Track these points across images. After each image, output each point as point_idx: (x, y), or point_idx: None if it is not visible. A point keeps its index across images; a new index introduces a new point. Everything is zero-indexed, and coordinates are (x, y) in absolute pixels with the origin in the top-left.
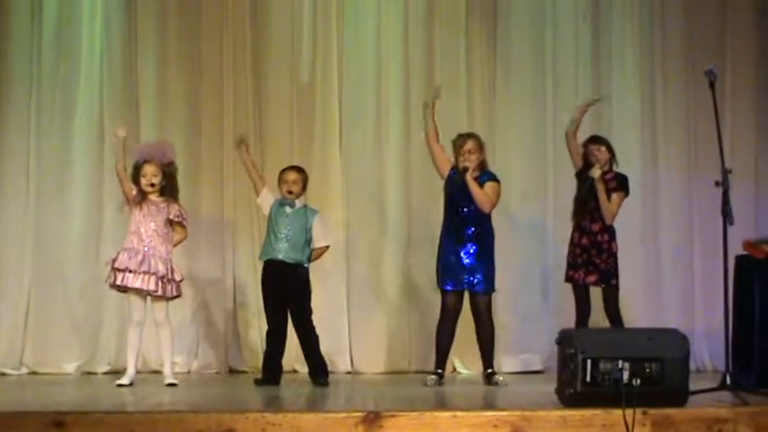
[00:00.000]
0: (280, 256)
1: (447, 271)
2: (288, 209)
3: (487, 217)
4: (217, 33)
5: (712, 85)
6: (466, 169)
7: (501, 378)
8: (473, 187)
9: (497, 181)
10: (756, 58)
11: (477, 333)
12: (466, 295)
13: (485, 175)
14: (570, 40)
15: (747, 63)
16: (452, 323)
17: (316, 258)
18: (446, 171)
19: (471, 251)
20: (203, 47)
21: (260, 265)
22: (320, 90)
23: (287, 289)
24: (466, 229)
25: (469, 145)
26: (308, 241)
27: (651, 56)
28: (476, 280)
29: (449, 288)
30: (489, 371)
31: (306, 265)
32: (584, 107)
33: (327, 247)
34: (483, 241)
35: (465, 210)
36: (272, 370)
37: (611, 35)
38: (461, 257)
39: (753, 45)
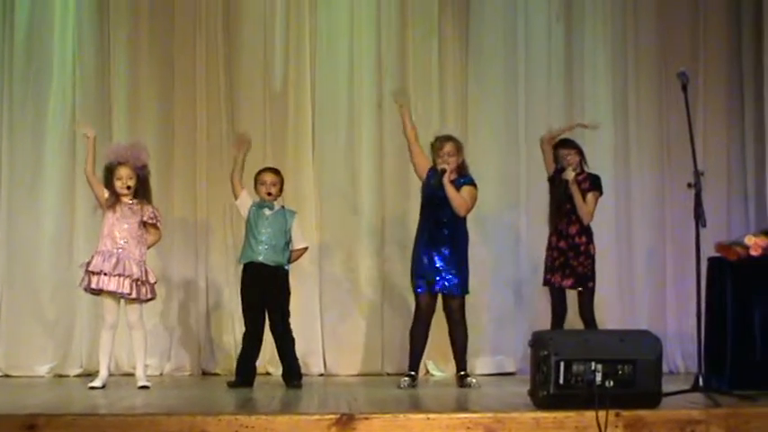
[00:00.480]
0: (260, 259)
1: (420, 273)
2: (267, 211)
3: (462, 220)
4: (189, 37)
5: (685, 88)
6: (444, 171)
7: (474, 380)
8: (450, 190)
9: (475, 185)
10: (728, 60)
11: (451, 335)
12: (439, 297)
13: (463, 179)
14: (543, 40)
15: (720, 65)
16: (426, 325)
17: (295, 260)
18: (424, 172)
19: (445, 253)
20: (176, 50)
21: (233, 267)
22: (293, 93)
23: (267, 291)
24: (441, 232)
25: (448, 147)
26: (288, 243)
27: (624, 57)
28: (449, 282)
29: (422, 290)
30: (462, 373)
31: (286, 268)
32: (569, 128)
33: (307, 248)
34: (457, 244)
35: (441, 212)
36: (245, 372)
37: (584, 36)
38: (435, 260)
39: (725, 47)
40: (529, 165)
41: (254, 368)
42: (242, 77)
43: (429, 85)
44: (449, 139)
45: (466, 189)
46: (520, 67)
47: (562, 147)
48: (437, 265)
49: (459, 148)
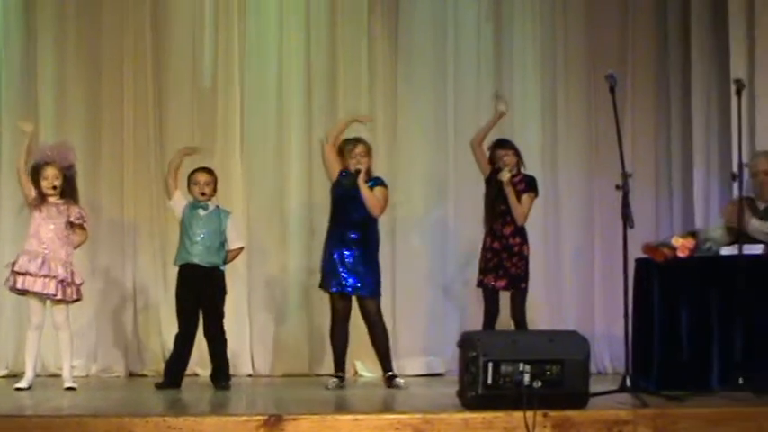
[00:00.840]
0: (195, 260)
1: (331, 273)
2: (201, 211)
3: (373, 221)
4: (117, 38)
5: (612, 90)
6: (358, 172)
7: (402, 380)
8: (365, 191)
9: (386, 186)
10: (656, 62)
11: (371, 337)
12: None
13: (373, 180)
14: (472, 39)
15: (648, 67)
16: (343, 325)
17: (231, 260)
18: (335, 173)
19: (356, 255)
20: (103, 51)
21: (161, 268)
22: (222, 94)
23: (202, 292)
24: (351, 233)
25: (360, 148)
26: (223, 243)
27: (553, 58)
28: (360, 284)
29: (333, 290)
30: (390, 373)
31: (222, 268)
32: (493, 121)
33: (242, 248)
34: (367, 245)
35: (351, 213)
36: (175, 373)
37: (513, 36)
38: (346, 261)
39: (653, 49)
40: (457, 163)
41: (184, 369)
42: (170, 78)
43: (358, 85)
44: (360, 140)
45: (379, 190)
46: (449, 66)
47: (499, 147)
48: (348, 267)
49: (369, 150)
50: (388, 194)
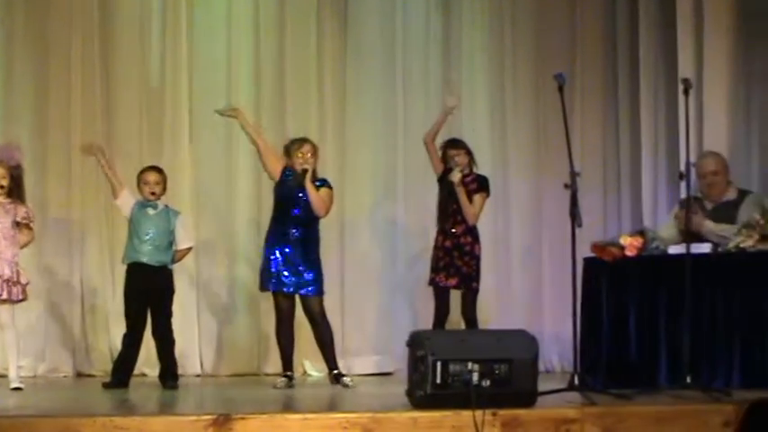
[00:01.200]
0: (144, 260)
1: (271, 273)
2: (150, 210)
3: (315, 220)
4: (64, 35)
5: (561, 89)
6: (306, 171)
7: (349, 379)
8: (312, 191)
9: (331, 187)
10: (605, 61)
11: (315, 337)
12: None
13: (320, 181)
14: (420, 35)
15: (596, 66)
16: (288, 324)
17: (179, 259)
18: (277, 172)
19: (296, 253)
20: (50, 49)
21: (109, 267)
22: (170, 91)
23: (151, 292)
24: (293, 232)
25: (308, 147)
26: (172, 243)
27: (501, 58)
28: (303, 283)
29: (274, 289)
30: (336, 372)
31: (170, 267)
32: (443, 115)
33: (191, 248)
34: (309, 245)
35: (294, 212)
36: (122, 373)
37: (462, 35)
38: (288, 259)
39: (602, 48)
40: (406, 160)
41: (132, 369)
42: (118, 75)
43: (307, 81)
44: (307, 140)
45: (324, 191)
46: (398, 62)
47: (451, 147)
48: (288, 265)
49: (316, 150)
50: (333, 195)
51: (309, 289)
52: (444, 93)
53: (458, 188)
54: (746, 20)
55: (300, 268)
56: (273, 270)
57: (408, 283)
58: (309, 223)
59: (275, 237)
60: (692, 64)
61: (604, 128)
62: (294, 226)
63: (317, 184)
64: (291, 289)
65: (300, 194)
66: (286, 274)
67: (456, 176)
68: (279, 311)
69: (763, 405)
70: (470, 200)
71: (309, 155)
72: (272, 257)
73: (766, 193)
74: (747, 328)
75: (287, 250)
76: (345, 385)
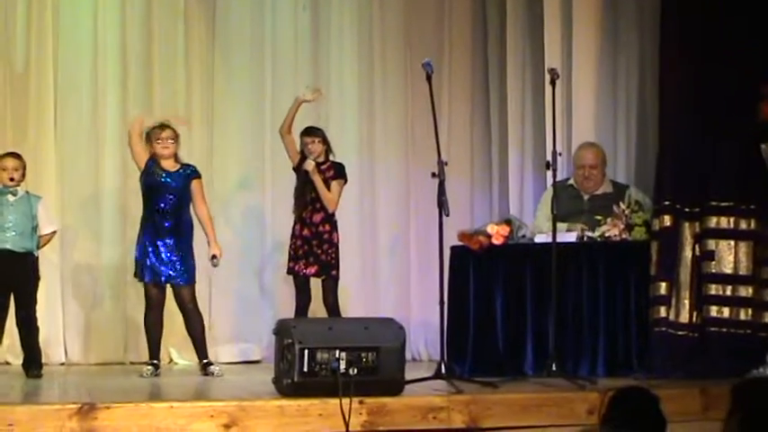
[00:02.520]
0: (8, 246)
1: (145, 263)
2: (10, 197)
3: (186, 209)
4: None
5: (429, 78)
6: (306, 165)
7: (218, 368)
8: (320, 187)
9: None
10: (474, 50)
11: (186, 326)
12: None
13: (188, 168)
14: (290, 26)
15: (464, 56)
16: (158, 313)
17: (44, 245)
18: (143, 161)
19: (169, 243)
20: None
21: None
22: (35, 74)
23: (14, 279)
24: (164, 222)
25: (167, 133)
26: (35, 228)
27: (370, 45)
28: (175, 272)
29: (147, 279)
30: (205, 361)
31: (35, 254)
32: (295, 107)
33: (55, 232)
34: (180, 233)
35: (162, 202)
36: None
37: (330, 22)
38: (159, 250)
39: (471, 37)
40: (274, 151)
41: None
42: None
43: (174, 67)
44: (167, 126)
45: (334, 186)
46: (267, 53)
47: (305, 135)
48: (162, 256)
49: (177, 135)
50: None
51: (181, 278)
52: (307, 84)
53: (313, 176)
54: (614, 10)
55: (173, 258)
56: (148, 261)
57: (275, 273)
58: (178, 212)
59: (148, 227)
60: (560, 54)
61: (473, 117)
62: (164, 215)
63: (189, 171)
64: (164, 279)
65: (165, 183)
66: (158, 264)
67: (309, 165)
68: (149, 299)
69: (626, 393)
70: (328, 187)
71: (170, 141)
72: (146, 248)
73: (631, 183)
74: (612, 317)
75: (158, 241)
76: (212, 374)
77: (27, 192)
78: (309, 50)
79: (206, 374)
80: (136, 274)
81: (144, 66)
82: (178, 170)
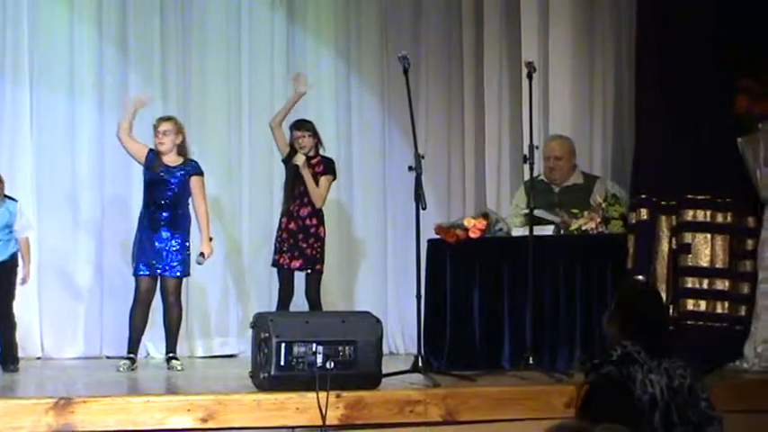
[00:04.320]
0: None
1: (142, 256)
2: None
3: (184, 205)
4: None
5: (406, 72)
6: (297, 162)
7: (180, 363)
8: (309, 183)
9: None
10: (449, 45)
11: (164, 316)
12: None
13: (189, 164)
14: (266, 20)
15: (441, 50)
16: (145, 308)
17: (25, 249)
18: (142, 155)
19: (165, 237)
20: None
21: None
22: (10, 72)
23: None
24: (160, 216)
25: (165, 127)
26: (12, 231)
27: (347, 38)
28: (168, 266)
29: (142, 273)
30: (170, 355)
31: (16, 252)
32: (292, 102)
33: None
34: (176, 228)
35: (160, 197)
36: None
37: (306, 17)
38: (155, 243)
39: (446, 32)
40: (252, 141)
41: None
42: None
43: (151, 65)
44: (165, 119)
45: (323, 181)
46: (243, 47)
47: (296, 128)
48: (158, 249)
49: (179, 128)
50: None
51: (174, 270)
52: (295, 79)
53: (303, 170)
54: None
55: (167, 251)
56: (143, 254)
57: (252, 266)
58: (177, 204)
59: (146, 219)
60: (537, 48)
61: (449, 110)
62: (162, 208)
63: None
64: (158, 271)
65: (165, 177)
66: (152, 257)
67: (299, 159)
68: (138, 293)
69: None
70: (316, 182)
71: (164, 135)
72: (143, 241)
73: (608, 176)
74: (588, 310)
75: (155, 234)
76: (174, 369)
77: (4, 196)
78: (285, 44)
79: (168, 368)
80: (134, 268)
81: (120, 63)
82: (179, 165)
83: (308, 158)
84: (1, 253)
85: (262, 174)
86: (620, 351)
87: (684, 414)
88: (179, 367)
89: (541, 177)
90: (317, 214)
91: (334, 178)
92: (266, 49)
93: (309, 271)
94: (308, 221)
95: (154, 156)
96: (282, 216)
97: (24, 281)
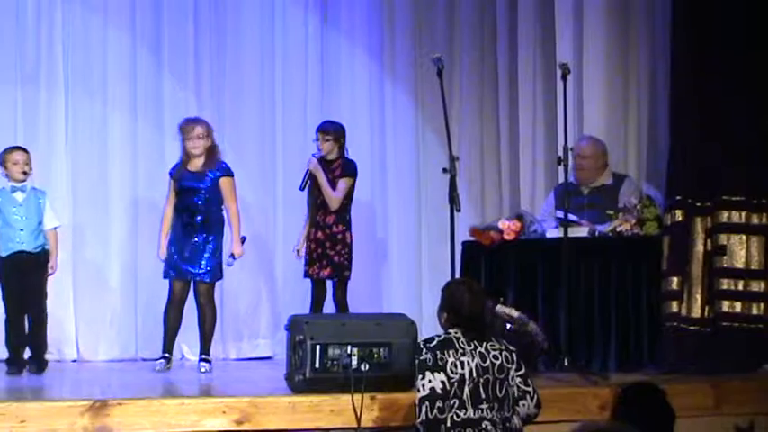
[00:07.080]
0: (23, 248)
1: (171, 260)
2: (19, 195)
3: (216, 208)
4: None
5: (440, 73)
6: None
7: (206, 366)
8: (323, 185)
9: (231, 175)
10: (483, 46)
11: (199, 320)
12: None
13: (218, 167)
14: (300, 24)
15: (475, 51)
16: (179, 308)
17: (52, 242)
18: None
19: (196, 241)
20: None
21: None
22: (45, 79)
23: (30, 278)
24: (190, 220)
25: (198, 130)
26: (41, 223)
27: (380, 41)
28: (199, 270)
29: (174, 275)
30: (202, 356)
31: (47, 248)
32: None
33: (57, 228)
34: (208, 231)
35: (189, 203)
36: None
37: (340, 21)
38: (184, 248)
39: (480, 33)
40: (286, 147)
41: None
42: None
43: (185, 67)
44: (198, 121)
45: (341, 183)
46: (277, 47)
47: (319, 131)
48: (185, 253)
49: (210, 132)
50: (234, 183)
51: (205, 275)
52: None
53: (316, 173)
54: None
55: (198, 255)
56: (173, 259)
57: (287, 267)
58: (210, 208)
59: (177, 223)
60: (571, 49)
61: (484, 111)
62: (194, 212)
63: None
64: (188, 276)
65: (192, 185)
66: (182, 262)
67: (311, 163)
68: (172, 294)
69: (633, 389)
70: (334, 186)
71: (198, 137)
72: (175, 245)
73: (642, 178)
74: (623, 312)
75: (185, 238)
76: (201, 370)
77: (33, 187)
78: (319, 46)
79: (199, 370)
80: (165, 275)
81: (154, 69)
82: (205, 171)
83: (328, 162)
84: (30, 243)
85: (295, 176)
86: (442, 337)
87: (493, 391)
88: (203, 369)
89: (571, 180)
90: (343, 220)
91: (354, 179)
92: (300, 52)
93: (337, 278)
94: (334, 228)
95: (176, 167)
96: (310, 226)
97: (53, 271)
